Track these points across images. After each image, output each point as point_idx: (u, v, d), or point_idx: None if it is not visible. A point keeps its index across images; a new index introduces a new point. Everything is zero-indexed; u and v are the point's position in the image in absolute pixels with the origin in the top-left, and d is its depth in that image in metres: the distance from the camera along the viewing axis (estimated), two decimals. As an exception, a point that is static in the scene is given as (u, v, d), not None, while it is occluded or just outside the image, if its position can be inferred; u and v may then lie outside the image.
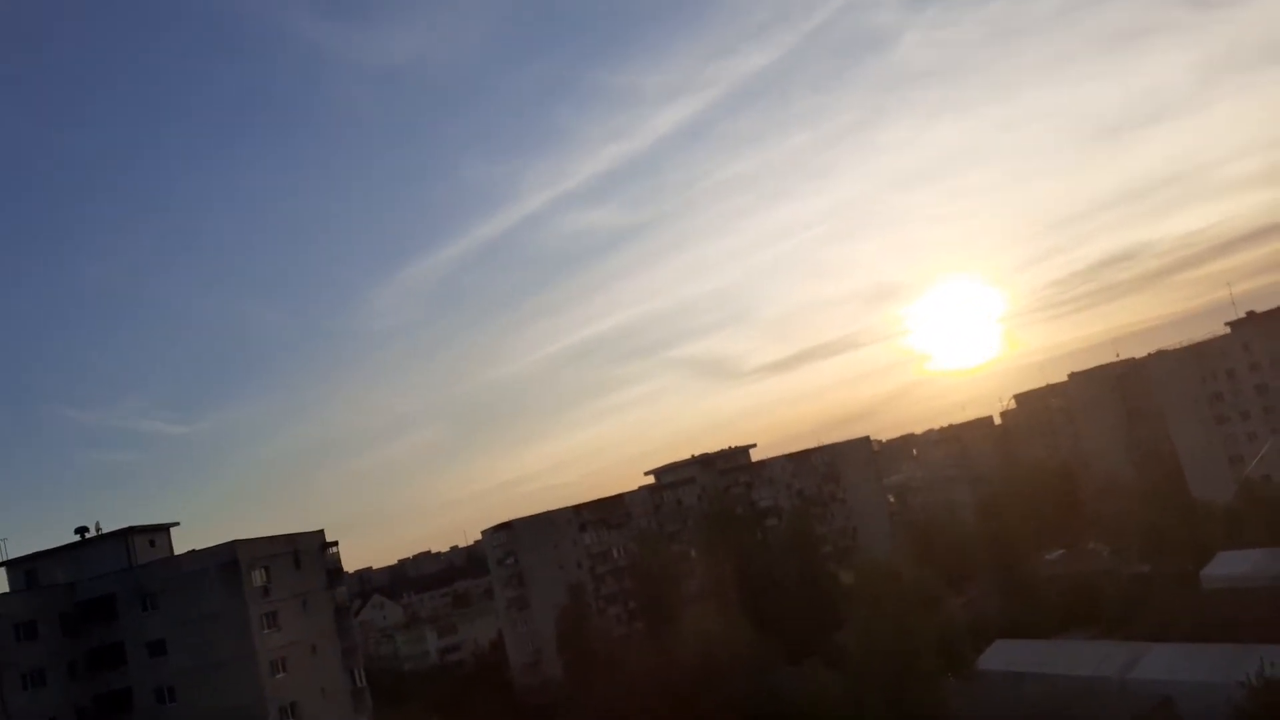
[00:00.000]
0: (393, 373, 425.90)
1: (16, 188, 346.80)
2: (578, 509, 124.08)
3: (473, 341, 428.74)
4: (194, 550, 59.21)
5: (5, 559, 60.98)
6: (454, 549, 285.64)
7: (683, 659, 68.68)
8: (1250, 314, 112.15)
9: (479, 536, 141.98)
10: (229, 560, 56.21)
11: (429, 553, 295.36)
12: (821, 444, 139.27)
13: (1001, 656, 68.75)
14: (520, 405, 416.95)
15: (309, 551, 63.36)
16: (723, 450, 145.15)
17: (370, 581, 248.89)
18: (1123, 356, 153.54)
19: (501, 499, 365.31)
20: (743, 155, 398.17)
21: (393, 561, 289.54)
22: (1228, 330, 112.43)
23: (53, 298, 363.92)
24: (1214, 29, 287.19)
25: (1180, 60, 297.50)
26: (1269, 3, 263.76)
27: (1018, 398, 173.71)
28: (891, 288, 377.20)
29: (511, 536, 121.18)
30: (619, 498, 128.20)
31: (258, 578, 57.33)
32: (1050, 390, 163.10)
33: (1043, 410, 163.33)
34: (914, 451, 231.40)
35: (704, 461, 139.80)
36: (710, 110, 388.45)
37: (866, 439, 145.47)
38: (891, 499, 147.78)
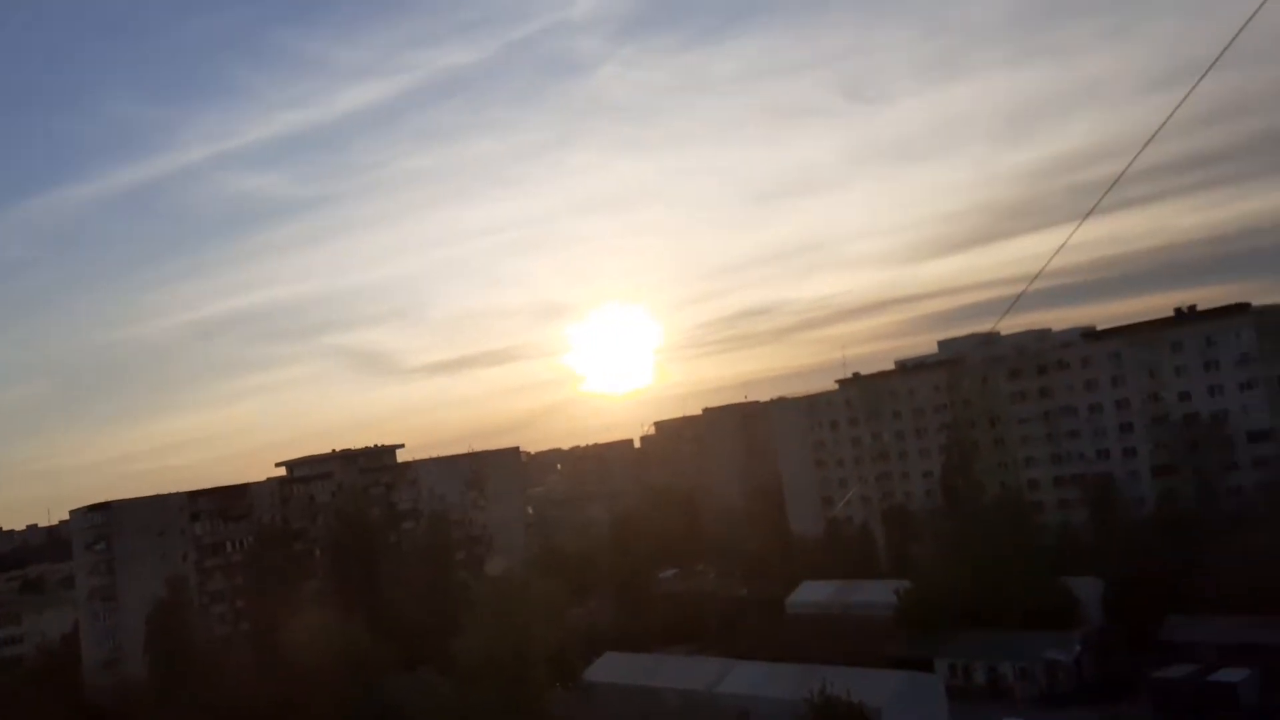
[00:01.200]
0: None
1: None
2: (193, 495, 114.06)
3: (99, 294, 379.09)
4: None
5: None
6: (31, 528, 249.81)
7: (287, 662, 65.11)
8: (855, 375, 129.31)
9: (66, 516, 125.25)
10: None
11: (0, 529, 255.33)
12: (473, 450, 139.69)
13: (609, 668, 72.64)
14: (147, 374, 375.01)
15: None
16: (367, 448, 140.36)
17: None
18: (750, 399, 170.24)
19: (103, 477, 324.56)
20: (431, 150, 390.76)
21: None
22: (836, 387, 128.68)
23: None
24: (860, 121, 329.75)
25: (830, 143, 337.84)
26: (905, 107, 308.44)
27: (658, 425, 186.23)
28: (560, 307, 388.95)
29: (108, 518, 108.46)
30: (243, 487, 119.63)
31: None
32: (686, 421, 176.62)
33: (677, 439, 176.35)
34: (559, 466, 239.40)
35: (345, 457, 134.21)
36: (403, 98, 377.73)
37: (516, 450, 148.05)
38: (530, 510, 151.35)
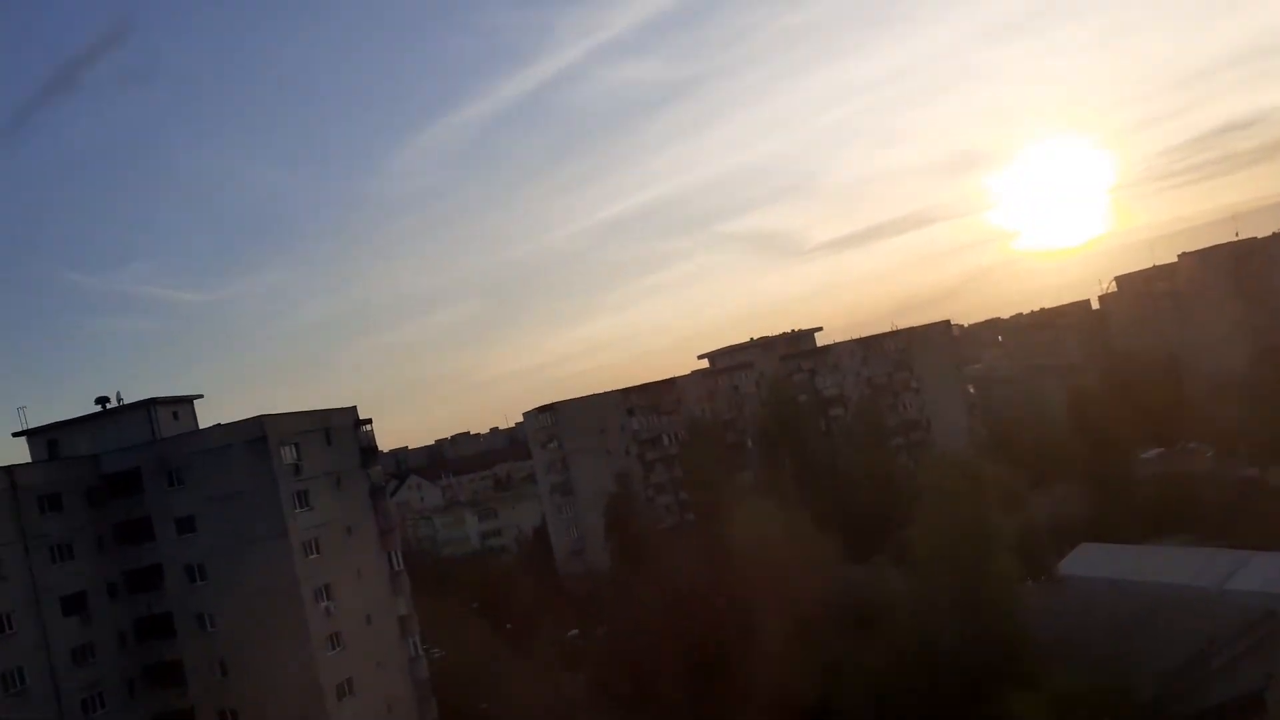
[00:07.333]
0: (416, 242, 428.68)
1: (14, 40, 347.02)
2: (625, 392, 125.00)
3: (505, 210, 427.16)
4: (220, 424, 60.60)
5: (27, 428, 62.99)
6: (494, 431, 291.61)
7: (736, 553, 69.65)
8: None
9: (519, 419, 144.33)
10: (257, 436, 57.39)
11: (468, 434, 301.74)
12: (895, 328, 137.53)
13: (1086, 561, 68.64)
14: (558, 281, 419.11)
15: (341, 429, 64.63)
16: (784, 334, 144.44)
17: (406, 462, 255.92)
18: (1243, 236, 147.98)
19: (541, 380, 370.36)
20: (805, 1, 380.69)
21: (430, 442, 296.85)
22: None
23: (52, 159, 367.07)
24: None
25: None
26: None
27: (1119, 280, 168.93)
28: (974, 156, 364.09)
29: (555, 419, 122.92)
30: (670, 382, 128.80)
31: (288, 455, 58.62)
32: (1157, 272, 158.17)
33: (1147, 295, 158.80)
34: (999, 338, 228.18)
35: (764, 345, 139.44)
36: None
37: (946, 324, 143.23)
38: (971, 389, 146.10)
